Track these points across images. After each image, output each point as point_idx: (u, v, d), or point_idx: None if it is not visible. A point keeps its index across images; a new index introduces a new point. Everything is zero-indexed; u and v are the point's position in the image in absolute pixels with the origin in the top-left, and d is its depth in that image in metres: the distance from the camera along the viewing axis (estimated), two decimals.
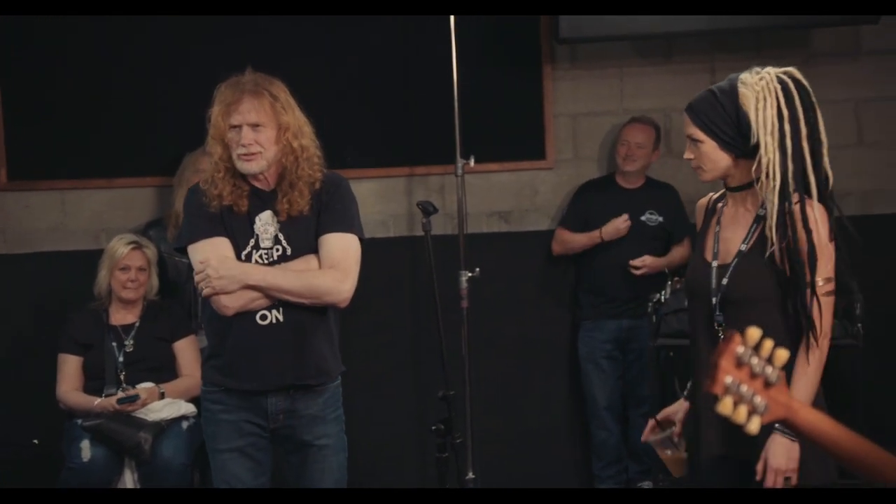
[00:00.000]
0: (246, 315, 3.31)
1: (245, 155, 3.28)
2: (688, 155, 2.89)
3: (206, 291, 3.26)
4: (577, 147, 5.48)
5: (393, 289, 5.37)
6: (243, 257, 3.34)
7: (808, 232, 2.74)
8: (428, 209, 4.17)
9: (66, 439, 4.48)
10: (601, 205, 5.24)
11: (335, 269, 3.32)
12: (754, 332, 1.81)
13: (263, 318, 3.33)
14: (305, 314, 3.34)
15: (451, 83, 4.90)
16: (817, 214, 2.77)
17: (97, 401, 4.46)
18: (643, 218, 5.20)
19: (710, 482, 2.92)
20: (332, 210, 3.37)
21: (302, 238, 3.36)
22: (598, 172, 5.46)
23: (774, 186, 2.75)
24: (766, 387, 1.83)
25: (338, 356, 3.52)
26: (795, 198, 2.75)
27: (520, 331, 5.43)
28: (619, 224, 5.13)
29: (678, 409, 3.08)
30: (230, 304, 3.27)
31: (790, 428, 1.94)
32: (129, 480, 4.38)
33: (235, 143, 3.28)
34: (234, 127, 3.28)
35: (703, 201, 3.09)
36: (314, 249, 3.35)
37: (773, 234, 2.78)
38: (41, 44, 5.04)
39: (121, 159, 5.21)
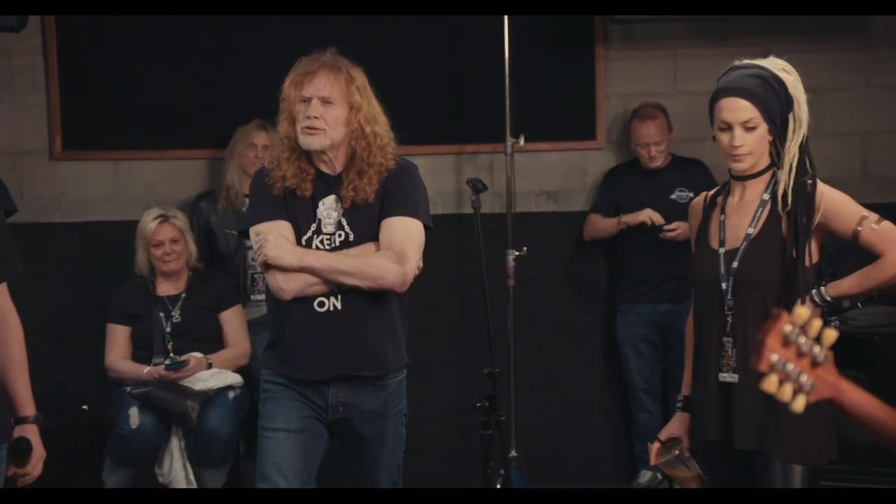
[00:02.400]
0: (304, 302, 3.19)
1: (308, 128, 3.15)
2: (738, 142, 2.87)
3: (260, 259, 3.17)
4: (628, 128, 5.43)
5: (440, 266, 5.35)
6: (304, 242, 3.22)
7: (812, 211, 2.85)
8: (478, 186, 4.16)
9: (114, 406, 4.54)
10: (630, 188, 5.22)
11: (392, 252, 3.17)
12: (803, 312, 1.80)
13: (321, 305, 3.21)
14: (365, 303, 3.22)
15: (502, 61, 4.89)
16: (825, 189, 2.88)
17: (146, 369, 4.51)
18: (673, 196, 5.16)
19: (738, 477, 2.94)
20: (396, 195, 3.24)
21: (365, 225, 3.23)
22: None
23: (791, 167, 2.87)
24: (813, 366, 1.82)
25: (401, 348, 3.38)
26: (808, 178, 2.86)
27: (565, 311, 5.43)
28: (642, 217, 5.10)
29: (679, 424, 3.08)
30: (287, 286, 3.16)
31: (836, 408, 1.92)
32: (175, 448, 4.44)
33: (302, 115, 3.17)
34: (305, 100, 3.17)
35: (699, 200, 3.13)
36: (377, 235, 3.23)
37: (788, 210, 2.86)
38: (97, 16, 5.08)
39: (173, 131, 5.25)
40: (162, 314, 4.61)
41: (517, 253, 4.86)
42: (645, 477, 5.19)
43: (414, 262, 3.22)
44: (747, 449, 2.85)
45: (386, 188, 3.24)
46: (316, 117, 3.14)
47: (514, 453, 4.45)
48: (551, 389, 5.38)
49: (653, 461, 3.05)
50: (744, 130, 2.86)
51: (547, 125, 5.29)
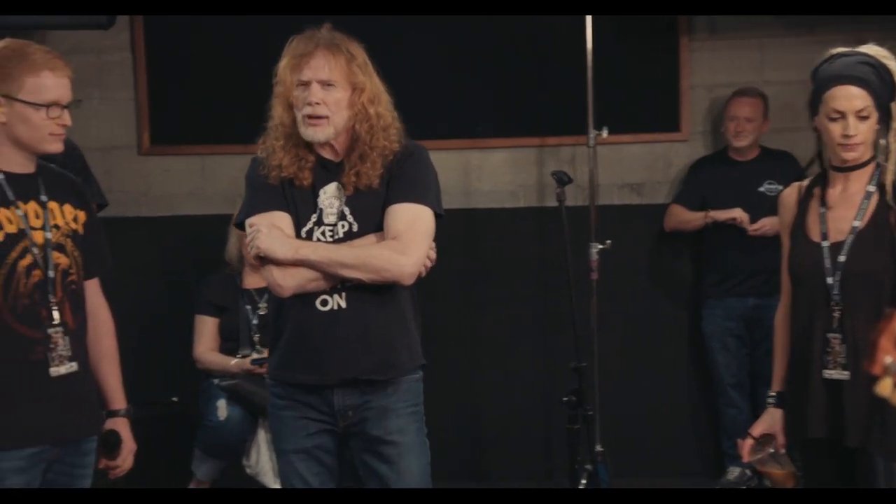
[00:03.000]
0: (305, 300, 2.92)
1: (311, 118, 2.89)
2: (852, 131, 2.80)
3: (252, 252, 2.90)
4: (713, 119, 5.36)
5: (521, 259, 5.35)
6: (304, 234, 2.96)
7: None
8: (562, 179, 4.12)
9: (202, 398, 4.59)
10: (717, 180, 5.13)
11: (397, 241, 2.88)
12: None
13: (324, 303, 2.93)
14: (372, 300, 2.93)
15: (584, 52, 4.84)
16: None
17: (233, 361, 4.55)
18: (762, 189, 5.06)
19: (840, 476, 2.88)
20: (401, 179, 2.95)
21: (370, 214, 2.95)
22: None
23: None
24: None
25: (414, 348, 3.08)
26: None
27: (649, 305, 5.37)
28: (732, 214, 5.01)
29: (773, 420, 3.01)
30: (284, 282, 2.88)
31: None
32: (262, 440, 4.46)
33: (302, 102, 2.90)
34: (303, 84, 2.90)
35: (791, 191, 3.05)
36: (381, 224, 2.95)
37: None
38: (184, 15, 5.12)
39: (259, 126, 5.27)
40: (249, 307, 4.64)
41: (600, 246, 4.81)
42: (733, 473, 5.10)
43: (421, 252, 2.93)
44: (854, 447, 2.78)
45: (391, 173, 2.97)
46: (318, 103, 2.88)
47: (599, 448, 4.40)
48: (636, 384, 5.33)
49: (746, 458, 3.00)
50: (857, 119, 2.79)
51: (630, 117, 5.24)
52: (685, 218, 5.18)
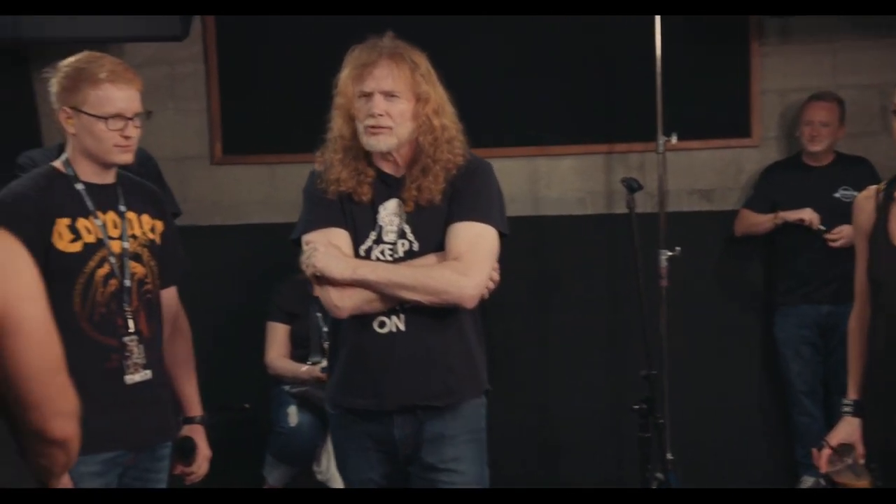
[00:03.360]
0: (362, 321, 2.81)
1: (373, 128, 2.77)
2: None
3: (308, 271, 2.79)
4: (785, 124, 5.28)
5: (590, 266, 5.32)
6: (363, 252, 2.84)
7: None
8: (632, 186, 4.09)
9: (274, 404, 4.63)
10: (790, 185, 5.06)
11: (458, 262, 2.75)
12: None
13: (382, 325, 2.81)
14: (432, 322, 2.81)
15: (653, 58, 4.81)
16: None
17: (303, 368, 4.58)
18: (837, 195, 4.97)
19: None
20: (465, 196, 2.81)
21: (431, 232, 2.82)
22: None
23: None
24: None
25: (478, 374, 2.94)
26: None
27: (720, 311, 5.30)
28: (801, 215, 4.93)
29: (851, 429, 2.93)
30: (342, 303, 2.77)
31: None
32: (332, 447, 4.48)
33: (363, 113, 2.78)
34: (365, 95, 2.78)
35: (868, 195, 2.96)
36: (444, 242, 2.82)
37: None
38: (256, 25, 5.17)
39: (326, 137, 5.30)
40: (319, 314, 4.67)
41: (670, 253, 4.77)
42: (807, 483, 5.04)
43: (484, 274, 2.79)
44: None
45: (454, 189, 2.82)
46: (381, 114, 2.76)
47: (670, 456, 4.35)
48: (707, 392, 5.26)
49: (823, 468, 2.93)
50: None
51: (700, 122, 5.18)
52: (755, 221, 5.11)
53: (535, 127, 5.28)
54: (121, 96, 2.86)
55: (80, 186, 2.90)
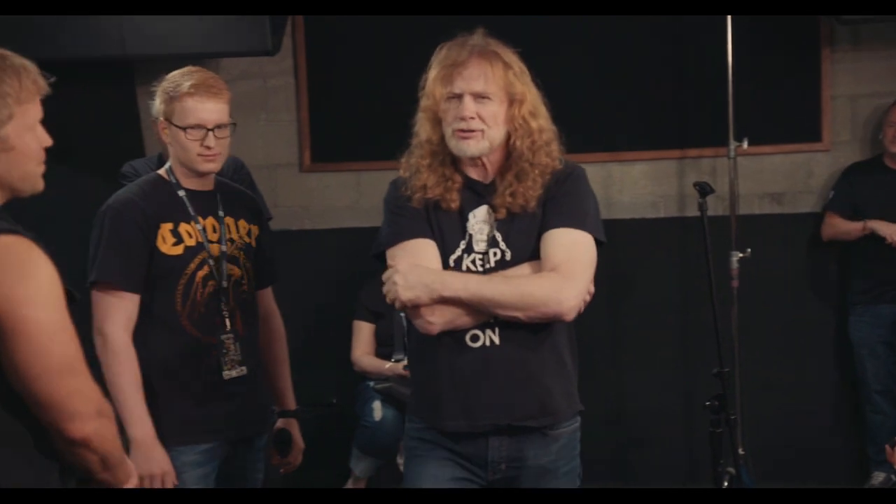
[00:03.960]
0: (454, 336, 2.53)
1: (463, 132, 2.50)
2: None
3: (397, 305, 2.53)
4: (855, 129, 5.23)
5: (663, 267, 5.30)
6: (452, 263, 2.57)
7: None
8: (705, 189, 4.06)
9: (360, 400, 4.70)
10: (870, 188, 4.99)
11: (556, 273, 2.48)
12: None
13: (475, 339, 2.54)
14: (528, 336, 2.54)
15: (725, 65, 4.79)
16: None
17: (387, 365, 4.63)
18: None
19: None
20: (560, 202, 2.56)
21: (524, 240, 2.57)
22: (879, 152, 5.17)
23: None
24: None
25: (572, 392, 2.68)
26: None
27: (791, 312, 5.26)
28: (888, 231, 4.86)
29: None
30: (434, 319, 2.49)
31: None
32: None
33: (452, 116, 2.52)
34: (454, 97, 2.51)
35: None
36: (538, 251, 2.56)
37: None
38: (341, 42, 5.24)
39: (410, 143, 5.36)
40: (403, 313, 4.72)
41: (741, 254, 4.75)
42: (878, 478, 4.99)
43: (583, 284, 2.51)
44: None
45: (548, 194, 2.57)
46: (471, 117, 2.49)
47: (741, 451, 4.33)
48: (778, 389, 5.23)
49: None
50: None
51: (770, 127, 5.14)
52: (844, 229, 5.02)
53: (608, 132, 5.28)
54: (202, 108, 2.89)
55: (182, 193, 2.96)
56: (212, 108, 2.90)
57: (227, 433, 2.97)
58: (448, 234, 2.59)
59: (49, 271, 1.99)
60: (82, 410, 2.00)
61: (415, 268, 2.51)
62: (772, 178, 5.28)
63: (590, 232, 2.56)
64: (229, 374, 2.95)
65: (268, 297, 3.19)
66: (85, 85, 4.69)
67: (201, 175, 2.98)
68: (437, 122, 2.57)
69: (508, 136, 2.57)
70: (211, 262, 2.94)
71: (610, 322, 5.25)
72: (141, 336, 2.88)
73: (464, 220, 2.59)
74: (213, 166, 2.97)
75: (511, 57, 2.57)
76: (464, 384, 2.55)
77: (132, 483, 2.22)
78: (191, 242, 2.91)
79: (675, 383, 5.27)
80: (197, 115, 2.89)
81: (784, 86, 5.18)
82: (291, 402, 3.22)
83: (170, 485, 2.85)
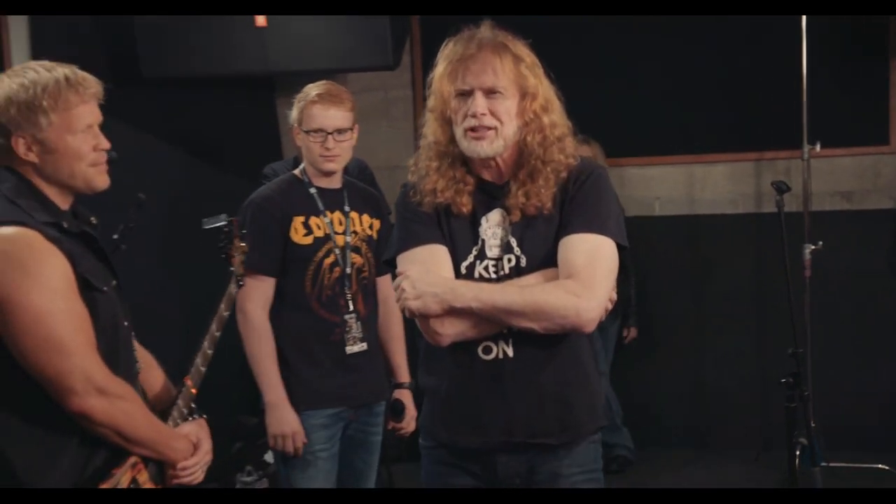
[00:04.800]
0: (465, 347, 2.12)
1: (474, 130, 2.08)
2: None
3: (406, 314, 2.13)
4: None
5: (741, 259, 5.16)
6: (464, 270, 2.14)
7: None
8: (781, 188, 3.94)
9: None
10: None
11: (574, 281, 2.05)
12: None
13: (487, 351, 2.12)
14: (545, 347, 2.11)
15: (799, 74, 4.60)
16: None
17: None
18: None
19: None
20: (578, 204, 2.12)
21: (540, 244, 2.13)
22: None
23: None
24: None
25: (595, 406, 2.22)
26: None
27: (859, 298, 5.04)
28: None
29: None
30: (443, 330, 2.08)
31: None
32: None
33: (462, 114, 2.09)
34: (462, 94, 2.09)
35: None
36: (555, 257, 2.12)
37: None
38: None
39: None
40: None
41: (813, 247, 4.58)
42: None
43: (604, 293, 2.08)
44: None
45: (565, 195, 2.14)
46: (483, 114, 2.07)
47: (813, 424, 4.15)
48: (847, 369, 5.03)
49: None
50: None
51: (841, 131, 4.92)
52: None
53: (691, 136, 5.17)
54: (323, 115, 2.92)
55: (312, 190, 2.99)
56: (332, 115, 2.92)
57: (349, 400, 2.99)
58: (459, 239, 2.16)
59: (50, 261, 1.95)
60: (77, 388, 1.95)
61: (424, 275, 2.08)
62: (842, 177, 5.07)
63: (611, 237, 2.11)
64: (351, 349, 2.97)
65: (386, 282, 3.15)
66: (232, 97, 4.76)
67: (325, 174, 2.99)
68: (446, 121, 2.14)
69: (521, 133, 2.13)
70: (336, 251, 2.96)
71: (693, 307, 5.13)
72: (276, 314, 2.95)
73: (476, 224, 2.16)
74: (333, 166, 2.97)
75: (522, 49, 2.12)
76: (475, 399, 2.13)
77: (187, 461, 2.17)
78: (319, 234, 2.94)
79: (752, 362, 5.13)
80: (319, 121, 2.91)
81: (853, 91, 4.96)
82: (406, 375, 3.21)
83: (299, 443, 2.91)
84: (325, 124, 2.91)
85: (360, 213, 3.06)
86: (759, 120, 5.07)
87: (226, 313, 2.44)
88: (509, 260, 2.13)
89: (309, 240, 2.93)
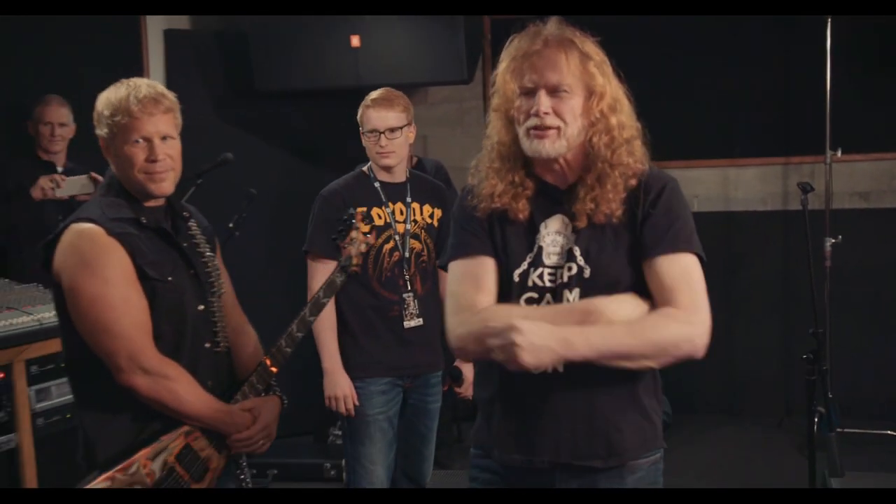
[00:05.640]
0: None
1: (537, 129, 1.72)
2: None
3: (510, 367, 1.66)
4: None
5: (769, 250, 5.07)
6: (517, 278, 1.78)
7: None
8: (806, 188, 3.87)
9: None
10: None
11: (680, 310, 1.70)
12: None
13: None
14: (595, 366, 1.69)
15: (824, 88, 4.51)
16: None
17: None
18: None
19: None
20: (660, 222, 1.75)
21: (607, 255, 1.75)
22: None
23: None
24: None
25: (651, 427, 1.81)
26: None
27: (874, 286, 4.92)
28: None
29: None
30: (533, 359, 1.63)
31: None
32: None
33: (525, 113, 1.74)
34: (526, 92, 1.74)
35: None
36: (622, 270, 1.75)
37: None
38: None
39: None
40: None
41: (833, 240, 4.49)
42: None
43: (708, 314, 1.73)
44: None
45: (638, 203, 1.76)
46: (546, 113, 1.71)
47: (830, 395, 4.09)
48: (862, 347, 4.92)
49: None
50: None
51: (859, 138, 4.78)
52: None
53: (726, 142, 5.08)
54: (376, 116, 2.84)
55: (376, 184, 2.92)
56: (384, 116, 2.84)
57: (404, 370, 2.91)
58: (514, 246, 1.79)
59: (108, 254, 1.94)
60: (122, 366, 1.94)
61: (537, 329, 1.64)
62: (860, 179, 4.95)
63: (697, 251, 1.76)
64: (409, 324, 2.89)
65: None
66: (328, 107, 4.78)
67: (383, 168, 2.91)
68: (510, 121, 1.78)
69: (587, 134, 1.77)
70: (396, 237, 2.89)
71: (726, 292, 5.04)
72: (344, 292, 2.82)
73: (533, 231, 1.79)
74: (388, 161, 2.88)
75: (590, 46, 1.76)
76: (523, 415, 1.78)
77: (240, 434, 2.11)
78: (380, 222, 2.86)
79: (779, 340, 5.03)
80: (374, 123, 2.85)
81: (872, 104, 4.82)
82: None
83: (350, 405, 2.84)
84: (377, 125, 2.84)
85: (422, 204, 2.96)
86: (787, 128, 4.97)
87: (324, 300, 2.32)
88: (570, 269, 1.76)
89: (368, 228, 2.84)
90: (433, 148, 5.37)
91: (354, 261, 2.46)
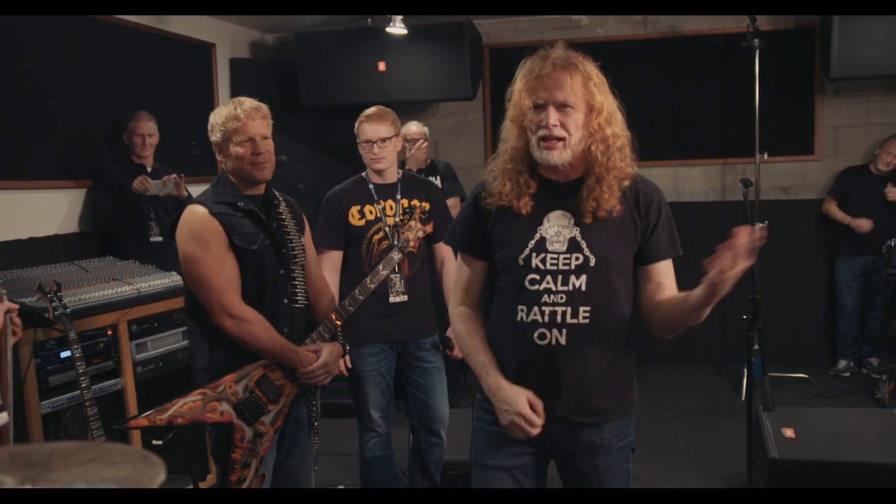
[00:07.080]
0: (524, 331, 1.69)
1: (546, 141, 1.68)
2: None
3: (519, 437, 1.70)
4: (836, 146, 4.81)
5: (710, 233, 4.98)
6: (521, 262, 1.70)
7: None
8: (747, 183, 3.84)
9: None
10: (858, 185, 4.59)
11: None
12: None
13: (543, 337, 1.68)
14: (593, 339, 1.69)
15: (754, 105, 4.45)
16: None
17: None
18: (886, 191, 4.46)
19: None
20: (662, 230, 1.77)
21: (609, 245, 1.71)
22: (850, 163, 4.77)
23: None
24: None
25: (629, 391, 1.78)
26: None
27: (794, 260, 4.92)
28: (863, 226, 4.46)
29: None
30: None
31: None
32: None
33: (536, 125, 1.69)
34: (538, 106, 1.69)
35: None
36: (622, 257, 1.73)
37: None
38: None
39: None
40: None
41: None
42: (841, 364, 4.66)
43: None
44: None
45: (634, 205, 1.74)
46: (555, 125, 1.67)
47: (756, 347, 4.06)
48: (787, 308, 4.92)
49: None
50: None
51: (781, 144, 4.77)
52: (837, 216, 4.62)
53: (676, 146, 5.05)
54: (368, 129, 2.68)
55: (370, 186, 2.76)
56: (375, 129, 2.67)
57: (389, 336, 2.74)
58: (516, 236, 1.73)
59: (209, 227, 2.01)
60: (215, 310, 2.02)
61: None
62: (782, 176, 4.93)
63: (679, 253, 1.81)
64: (393, 299, 2.71)
65: (442, 247, 2.82)
66: (355, 119, 4.71)
67: (376, 172, 2.74)
68: (523, 130, 1.73)
69: (587, 143, 1.72)
70: (386, 228, 2.70)
71: (679, 267, 4.97)
72: (344, 273, 2.73)
73: (536, 222, 1.72)
74: (380, 165, 2.71)
75: (591, 68, 1.71)
76: (525, 376, 1.72)
77: (305, 368, 2.12)
78: (371, 217, 2.72)
79: (719, 304, 4.92)
80: (367, 134, 2.69)
81: (790, 117, 4.80)
82: None
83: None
84: (371, 136, 2.68)
85: (410, 200, 2.76)
86: (725, 135, 4.94)
87: (383, 272, 2.37)
88: (577, 258, 1.69)
89: (361, 222, 2.70)
90: (443, 151, 5.31)
91: (411, 243, 2.44)
